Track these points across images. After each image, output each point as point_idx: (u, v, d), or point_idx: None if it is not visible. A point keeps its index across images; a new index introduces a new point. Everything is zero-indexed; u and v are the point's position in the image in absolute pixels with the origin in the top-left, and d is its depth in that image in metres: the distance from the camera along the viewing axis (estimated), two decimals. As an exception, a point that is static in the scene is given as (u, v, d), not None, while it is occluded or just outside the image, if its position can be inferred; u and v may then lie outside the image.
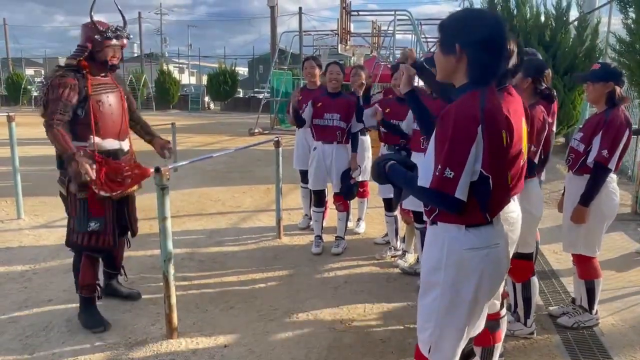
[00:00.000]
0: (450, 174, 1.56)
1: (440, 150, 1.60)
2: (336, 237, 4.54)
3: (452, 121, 1.57)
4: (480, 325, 1.86)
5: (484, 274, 1.68)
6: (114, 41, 2.99)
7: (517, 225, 2.24)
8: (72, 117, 2.91)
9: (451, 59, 1.65)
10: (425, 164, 1.68)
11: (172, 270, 2.82)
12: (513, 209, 2.22)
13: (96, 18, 2.97)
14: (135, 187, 3.17)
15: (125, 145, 3.16)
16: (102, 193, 2.92)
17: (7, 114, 5.40)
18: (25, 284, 3.68)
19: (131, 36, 3.19)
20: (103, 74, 3.07)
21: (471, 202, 1.62)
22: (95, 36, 2.96)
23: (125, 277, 3.45)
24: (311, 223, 4.84)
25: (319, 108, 4.32)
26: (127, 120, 3.19)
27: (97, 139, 2.97)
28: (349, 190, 4.45)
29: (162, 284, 2.86)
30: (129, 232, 3.30)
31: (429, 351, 1.78)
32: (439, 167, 1.58)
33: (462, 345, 1.79)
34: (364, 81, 4.47)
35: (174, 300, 2.85)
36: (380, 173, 1.85)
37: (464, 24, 1.65)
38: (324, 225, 5.09)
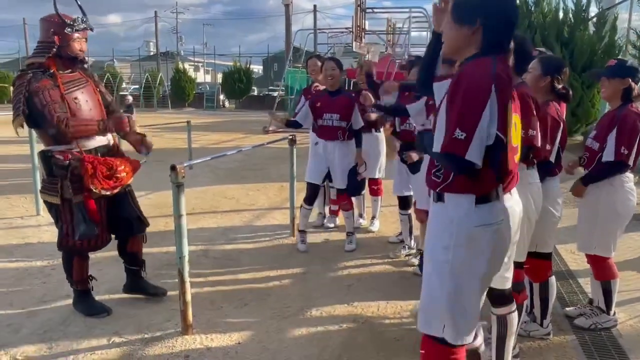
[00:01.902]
0: (462, 135, 1.54)
1: (451, 114, 1.59)
2: (347, 233, 4.53)
3: (464, 84, 1.57)
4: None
5: (495, 250, 1.70)
6: (80, 34, 2.87)
7: (515, 220, 1.99)
8: (50, 122, 2.78)
9: (466, 31, 1.66)
10: (437, 132, 1.68)
11: (187, 268, 2.84)
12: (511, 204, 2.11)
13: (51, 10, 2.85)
14: (129, 180, 3.13)
15: (109, 139, 3.07)
16: (103, 192, 2.89)
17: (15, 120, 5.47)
18: (44, 279, 3.74)
19: (93, 27, 3.04)
20: (70, 70, 2.94)
21: (485, 170, 1.61)
22: (65, 29, 2.82)
23: (144, 273, 3.47)
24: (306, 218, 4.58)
25: (318, 108, 4.26)
26: (104, 115, 3.06)
27: (80, 140, 2.88)
28: (358, 187, 4.45)
29: (177, 280, 2.89)
30: (141, 225, 3.28)
31: (443, 330, 1.76)
32: (450, 128, 1.57)
33: (476, 321, 1.80)
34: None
35: (189, 297, 2.87)
36: (419, 140, 1.91)
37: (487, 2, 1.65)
38: (336, 222, 5.11)
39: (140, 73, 33.76)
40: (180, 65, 30.80)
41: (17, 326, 3.01)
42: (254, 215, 5.69)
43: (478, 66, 1.60)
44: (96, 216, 2.95)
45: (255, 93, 33.14)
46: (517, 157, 1.85)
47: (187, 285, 2.86)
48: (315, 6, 31.51)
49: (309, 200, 4.46)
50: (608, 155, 2.82)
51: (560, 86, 2.68)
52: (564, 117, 2.88)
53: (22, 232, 4.90)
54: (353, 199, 4.75)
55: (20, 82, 2.82)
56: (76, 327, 3.01)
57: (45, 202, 3.02)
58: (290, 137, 4.68)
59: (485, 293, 1.82)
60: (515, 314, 2.29)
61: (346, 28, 19.29)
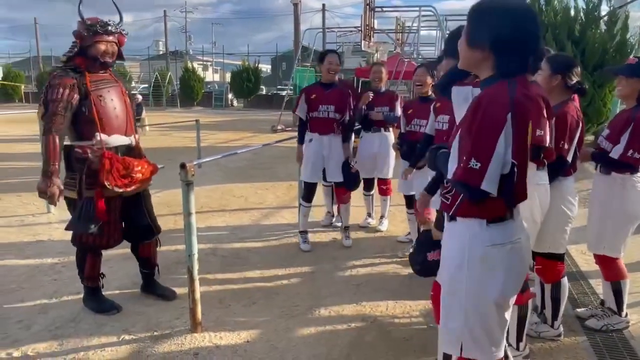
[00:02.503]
0: (476, 164, 1.51)
1: (466, 141, 1.56)
2: (345, 227, 4.55)
3: (480, 111, 1.53)
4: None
5: (511, 269, 1.64)
6: (105, 37, 2.92)
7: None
8: (76, 116, 2.89)
9: (478, 55, 1.61)
10: (451, 156, 1.66)
11: (196, 266, 2.85)
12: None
13: (93, 14, 2.94)
14: (148, 183, 3.17)
15: (131, 141, 3.12)
16: (116, 189, 2.92)
17: (38, 110, 5.54)
18: (54, 276, 3.78)
19: (125, 32, 3.09)
20: (102, 71, 3.02)
21: (496, 198, 1.57)
22: (86, 31, 2.90)
23: (158, 276, 3.50)
24: (306, 217, 4.58)
25: (313, 100, 4.27)
26: (131, 116, 3.14)
27: (102, 136, 2.94)
28: (352, 180, 4.46)
29: (185, 278, 2.90)
30: (150, 233, 3.30)
31: (461, 350, 1.73)
32: (464, 157, 1.54)
33: (498, 342, 1.72)
34: (384, 76, 4.63)
35: (198, 295, 2.88)
36: (431, 159, 1.87)
37: (492, 19, 1.58)
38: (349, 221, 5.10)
39: (150, 72, 33.95)
40: (189, 65, 30.91)
41: (28, 322, 3.04)
42: (262, 214, 5.70)
43: (495, 93, 1.55)
44: (102, 214, 2.96)
45: (264, 92, 33.18)
46: None
47: (197, 283, 2.87)
48: (324, 5, 31.50)
49: (308, 198, 4.47)
50: (615, 153, 2.79)
51: (574, 81, 2.63)
52: (585, 113, 2.83)
53: (33, 230, 4.95)
54: (362, 198, 4.74)
55: (50, 76, 2.98)
56: (86, 324, 3.03)
57: (65, 198, 3.06)
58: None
59: (508, 314, 1.74)
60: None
61: (355, 27, 19.25)
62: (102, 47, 2.95)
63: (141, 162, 3.10)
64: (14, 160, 9.11)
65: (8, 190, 6.59)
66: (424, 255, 2.25)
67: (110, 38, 2.97)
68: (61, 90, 2.84)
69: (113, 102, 3.01)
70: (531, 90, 1.61)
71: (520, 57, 1.58)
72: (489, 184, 1.53)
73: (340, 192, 4.48)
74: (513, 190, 1.58)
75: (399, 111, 4.57)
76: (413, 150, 3.99)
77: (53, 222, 5.20)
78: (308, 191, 4.45)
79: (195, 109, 27.23)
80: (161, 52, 44.99)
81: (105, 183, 2.89)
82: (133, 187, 3.03)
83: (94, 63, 2.96)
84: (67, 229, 3.08)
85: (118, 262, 3.84)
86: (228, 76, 34.13)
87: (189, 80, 29.00)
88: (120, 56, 3.10)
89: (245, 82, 28.53)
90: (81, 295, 3.28)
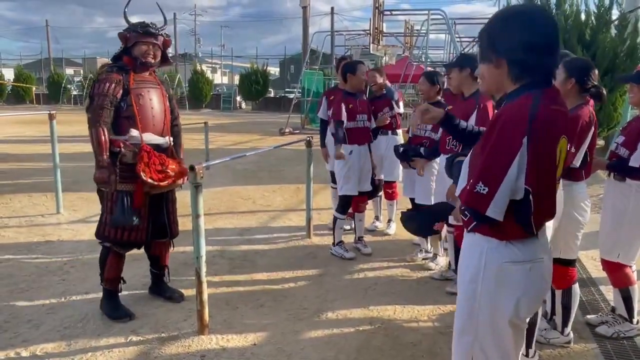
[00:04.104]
0: (484, 189, 1.43)
1: (477, 161, 1.49)
2: (359, 238, 4.54)
3: (496, 129, 1.45)
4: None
5: (527, 291, 1.55)
6: (146, 38, 3.04)
7: None
8: (115, 111, 2.99)
9: (493, 69, 1.53)
10: (462, 174, 1.60)
11: (204, 268, 2.85)
12: None
13: (139, 18, 3.08)
14: (178, 183, 3.22)
15: (165, 142, 3.20)
16: (150, 181, 2.98)
17: (48, 112, 5.60)
18: (63, 276, 3.80)
19: (167, 35, 3.21)
20: (147, 73, 3.15)
21: (509, 220, 1.49)
22: (128, 32, 3.03)
23: (167, 278, 3.50)
24: (343, 229, 4.52)
25: (351, 110, 4.25)
26: (168, 119, 3.22)
27: (135, 132, 3.02)
28: (376, 189, 4.52)
29: (193, 280, 2.90)
30: (167, 233, 3.31)
31: None
32: (472, 180, 1.47)
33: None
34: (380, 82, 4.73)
35: (205, 297, 2.88)
36: (447, 166, 1.86)
37: (500, 30, 1.52)
38: (352, 225, 5.08)
39: (159, 74, 34.12)
40: (198, 67, 31.07)
41: (37, 322, 3.05)
42: (270, 217, 5.70)
43: (516, 110, 1.45)
44: (141, 206, 3.03)
45: (272, 95, 33.26)
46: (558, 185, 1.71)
47: (204, 285, 2.87)
48: (332, 8, 31.54)
49: (344, 210, 4.39)
50: (635, 161, 2.75)
51: (589, 85, 2.59)
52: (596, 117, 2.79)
53: (43, 230, 4.98)
54: (369, 201, 4.73)
55: (99, 71, 3.10)
56: (94, 324, 3.05)
57: (98, 192, 3.12)
58: (308, 138, 4.68)
59: (522, 337, 1.67)
60: None
61: (364, 30, 19.27)
62: (144, 47, 3.05)
63: (174, 162, 3.19)
64: (25, 161, 9.19)
65: (18, 190, 6.64)
66: (431, 221, 2.22)
67: (152, 39, 3.07)
68: (107, 84, 2.95)
69: (151, 102, 3.11)
70: (560, 102, 1.51)
71: (546, 64, 1.50)
72: (495, 211, 1.45)
73: (362, 199, 4.47)
74: (529, 216, 1.49)
75: (400, 104, 4.91)
76: (409, 152, 4.03)
77: (62, 223, 5.24)
78: (346, 203, 4.37)
79: (204, 111, 27.34)
80: (170, 55, 45.23)
81: (142, 175, 2.95)
82: (165, 183, 3.08)
83: (136, 63, 3.07)
84: (97, 234, 3.09)
85: (127, 263, 3.82)
86: (236, 79, 34.23)
87: (197, 83, 29.14)
88: (165, 59, 3.25)
89: (254, 85, 28.62)
90: (89, 295, 3.29)
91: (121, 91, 2.99)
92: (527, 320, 1.65)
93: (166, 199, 3.27)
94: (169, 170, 3.08)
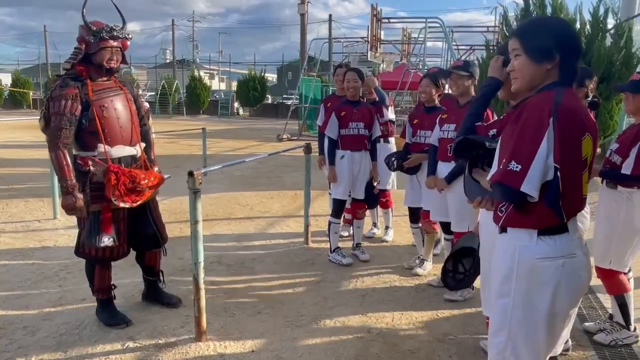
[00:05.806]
0: (517, 167, 1.52)
1: (507, 146, 1.59)
2: (358, 244, 4.53)
3: (523, 116, 1.57)
4: (561, 342, 1.78)
5: (561, 286, 1.59)
6: (110, 42, 2.83)
7: None
8: (77, 127, 2.80)
9: (546, 67, 1.64)
10: (495, 161, 1.70)
11: (202, 274, 2.84)
12: None
13: (95, 18, 2.83)
14: (154, 193, 3.11)
15: (136, 151, 3.03)
16: (122, 204, 2.85)
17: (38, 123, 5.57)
18: (60, 282, 3.78)
19: (130, 36, 2.98)
20: (106, 78, 2.93)
21: (540, 204, 1.56)
22: (89, 37, 2.79)
23: (163, 284, 3.47)
24: (338, 234, 4.51)
25: (343, 117, 4.25)
26: (137, 125, 3.04)
27: (105, 147, 2.85)
28: (375, 199, 4.48)
29: (191, 287, 2.89)
30: (157, 242, 3.26)
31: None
32: (504, 160, 1.56)
33: None
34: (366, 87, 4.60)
35: (203, 303, 2.87)
36: (467, 186, 1.96)
37: (559, 32, 1.65)
38: (350, 231, 5.08)
39: (157, 80, 34.22)
40: (196, 73, 31.16)
41: (33, 329, 3.03)
42: (267, 223, 5.69)
43: (542, 97, 1.60)
44: (109, 228, 2.90)
45: (270, 101, 33.32)
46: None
47: (202, 291, 2.86)
48: (330, 16, 31.80)
49: (338, 214, 4.40)
50: (626, 168, 2.77)
51: (590, 95, 2.63)
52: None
53: (39, 235, 4.96)
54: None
55: (51, 86, 2.89)
56: (91, 331, 3.03)
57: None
58: (306, 145, 4.68)
59: (560, 333, 1.70)
60: None
61: (361, 37, 19.37)
62: (108, 53, 2.86)
63: (148, 174, 3.01)
64: (21, 166, 9.16)
65: (15, 196, 6.62)
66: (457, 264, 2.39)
67: (116, 43, 2.87)
68: (64, 102, 2.74)
69: (117, 112, 2.91)
70: (579, 100, 1.67)
71: (576, 68, 1.66)
72: (529, 186, 1.51)
73: (359, 207, 4.46)
74: (559, 197, 1.56)
75: (390, 109, 4.86)
76: (403, 160, 4.02)
77: (59, 228, 5.21)
78: (339, 208, 4.38)
79: (201, 117, 27.35)
80: (168, 61, 45.36)
81: (113, 200, 2.81)
82: (140, 202, 2.95)
83: (99, 70, 2.87)
84: (77, 252, 3.02)
85: (124, 270, 3.84)
86: (234, 85, 34.33)
87: (195, 89, 29.20)
88: (124, 60, 3.01)
89: (252, 91, 28.71)
90: (86, 303, 3.27)
91: (79, 107, 2.77)
92: (571, 312, 1.68)
93: (149, 208, 3.16)
94: (141, 188, 2.90)
